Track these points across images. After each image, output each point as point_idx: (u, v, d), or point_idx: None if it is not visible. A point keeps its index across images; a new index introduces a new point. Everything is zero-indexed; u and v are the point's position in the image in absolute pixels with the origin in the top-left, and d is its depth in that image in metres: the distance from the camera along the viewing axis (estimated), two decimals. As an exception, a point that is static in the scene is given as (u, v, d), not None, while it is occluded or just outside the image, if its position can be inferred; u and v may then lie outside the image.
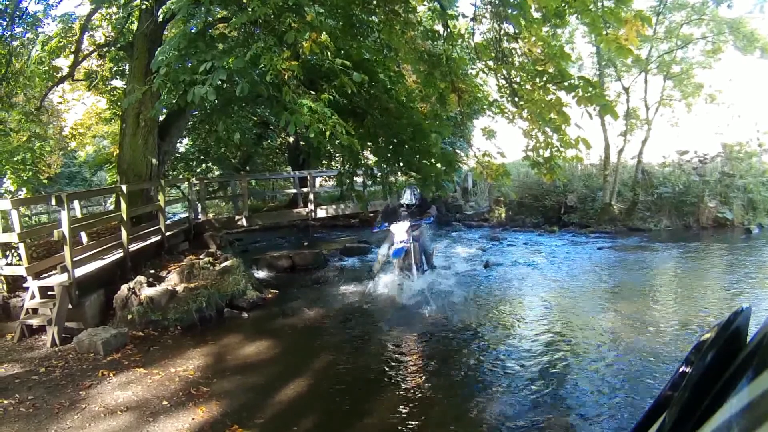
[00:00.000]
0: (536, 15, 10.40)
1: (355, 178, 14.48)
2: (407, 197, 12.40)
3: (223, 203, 28.32)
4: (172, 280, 11.08)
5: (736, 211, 21.80)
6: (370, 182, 14.45)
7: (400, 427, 5.91)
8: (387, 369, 7.55)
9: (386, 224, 12.25)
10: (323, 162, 27.27)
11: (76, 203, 13.28)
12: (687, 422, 1.18)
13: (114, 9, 16.18)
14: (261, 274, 14.50)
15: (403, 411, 6.27)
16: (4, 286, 9.93)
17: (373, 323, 9.72)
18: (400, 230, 11.87)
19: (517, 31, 11.01)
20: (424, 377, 7.28)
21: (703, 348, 1.32)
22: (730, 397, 1.10)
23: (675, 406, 1.24)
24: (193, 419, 6.09)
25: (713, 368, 1.23)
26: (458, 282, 12.67)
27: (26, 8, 14.61)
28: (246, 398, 6.59)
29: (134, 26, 15.25)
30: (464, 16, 12.49)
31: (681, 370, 1.39)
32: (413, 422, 6.01)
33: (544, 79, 10.81)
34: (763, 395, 0.97)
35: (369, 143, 12.89)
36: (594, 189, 25.03)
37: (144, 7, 12.69)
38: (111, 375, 7.48)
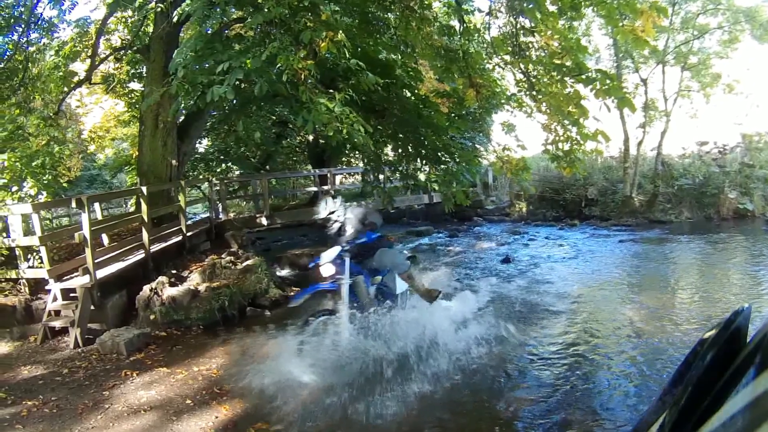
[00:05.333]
0: (552, 8, 10.36)
1: (378, 176, 14.47)
2: (327, 206, 8.69)
3: (244, 202, 28.38)
4: (194, 279, 11.11)
5: (757, 202, 21.65)
6: (395, 177, 14.41)
7: (421, 423, 5.90)
8: (410, 364, 7.50)
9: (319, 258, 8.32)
10: (343, 159, 27.26)
11: (96, 205, 13.38)
12: (687, 422, 1.17)
13: (129, 12, 16.26)
14: (283, 272, 14.54)
15: (424, 407, 6.24)
16: (27, 288, 10.01)
17: (396, 318, 9.68)
18: (325, 261, 8.05)
19: (533, 25, 10.98)
20: (446, 372, 7.23)
21: (704, 347, 1.31)
22: (730, 396, 1.09)
23: (675, 406, 1.24)
24: (216, 417, 6.11)
25: (713, 368, 1.22)
26: (479, 277, 12.59)
27: (41, 14, 14.67)
28: (269, 396, 6.57)
29: (150, 29, 15.30)
30: (480, 10, 12.51)
31: (681, 369, 1.38)
32: (433, 418, 6.02)
33: (562, 72, 10.77)
34: (764, 395, 0.96)
35: (389, 140, 12.89)
36: (614, 181, 24.93)
37: (159, 9, 12.71)
38: (134, 375, 7.53)
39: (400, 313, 8.23)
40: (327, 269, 7.89)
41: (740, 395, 1.04)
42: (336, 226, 8.38)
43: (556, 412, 6.07)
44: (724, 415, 1.07)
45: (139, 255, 11.37)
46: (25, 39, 14.42)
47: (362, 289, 7.98)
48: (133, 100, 20.31)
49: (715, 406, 1.12)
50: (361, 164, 19.93)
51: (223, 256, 12.74)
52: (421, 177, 12.90)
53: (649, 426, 1.36)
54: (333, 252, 7.97)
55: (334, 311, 7.78)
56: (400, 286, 8.50)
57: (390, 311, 8.04)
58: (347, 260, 7.83)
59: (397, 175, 13.84)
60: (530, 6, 10.18)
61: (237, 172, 27.64)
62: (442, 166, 12.55)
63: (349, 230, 8.28)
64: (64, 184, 19.57)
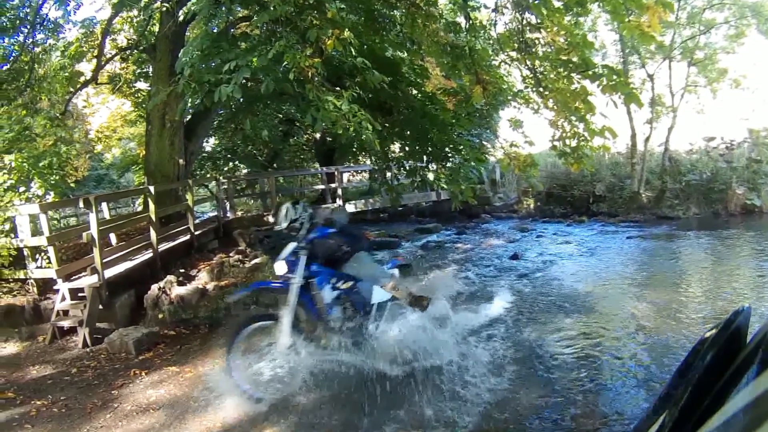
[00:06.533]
0: (557, 4, 10.33)
1: (386, 173, 14.44)
2: (287, 214, 7.41)
3: (252, 201, 28.42)
4: (203, 278, 11.11)
5: (765, 198, 21.57)
6: (402, 174, 14.37)
7: (426, 419, 5.88)
8: (416, 361, 7.47)
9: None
10: (350, 158, 27.29)
11: (104, 205, 13.44)
12: (687, 422, 1.16)
13: (135, 12, 16.27)
14: (291, 270, 14.52)
15: (430, 403, 6.21)
16: (35, 288, 10.05)
17: (402, 314, 9.63)
18: (280, 258, 7.29)
19: (539, 21, 10.95)
20: (451, 368, 7.21)
21: (704, 347, 1.30)
22: (730, 396, 1.09)
23: (675, 405, 1.23)
24: (225, 417, 6.13)
25: (713, 368, 1.22)
26: (487, 274, 12.57)
27: (47, 15, 14.70)
28: (277, 395, 6.57)
29: (156, 28, 15.34)
30: (486, 7, 12.49)
31: (681, 369, 1.37)
32: (437, 415, 6.00)
33: (569, 68, 10.74)
34: (764, 394, 0.95)
35: (396, 137, 12.88)
36: (622, 177, 24.89)
37: (165, 9, 12.72)
38: (143, 374, 7.55)
39: (382, 322, 7.70)
40: (279, 267, 7.14)
41: (741, 395, 1.04)
42: (303, 232, 7.29)
43: (562, 410, 6.04)
44: (725, 414, 1.06)
45: (147, 254, 11.40)
46: (30, 40, 14.43)
47: (316, 292, 7.09)
48: (140, 100, 20.38)
49: (716, 406, 1.11)
50: (368, 162, 19.92)
51: (231, 254, 12.75)
52: (430, 176, 12.89)
53: (650, 426, 1.35)
54: (288, 249, 7.18)
55: (275, 315, 6.97)
56: (378, 295, 7.66)
57: (366, 321, 7.52)
58: (302, 258, 7.01)
59: (404, 172, 13.81)
60: (536, 2, 10.16)
61: (244, 171, 27.74)
62: (449, 164, 12.54)
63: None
64: (72, 184, 19.70)
